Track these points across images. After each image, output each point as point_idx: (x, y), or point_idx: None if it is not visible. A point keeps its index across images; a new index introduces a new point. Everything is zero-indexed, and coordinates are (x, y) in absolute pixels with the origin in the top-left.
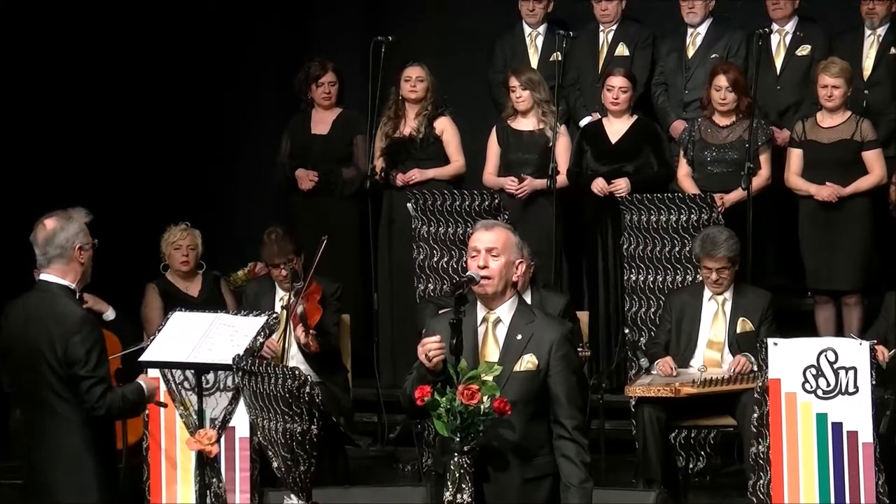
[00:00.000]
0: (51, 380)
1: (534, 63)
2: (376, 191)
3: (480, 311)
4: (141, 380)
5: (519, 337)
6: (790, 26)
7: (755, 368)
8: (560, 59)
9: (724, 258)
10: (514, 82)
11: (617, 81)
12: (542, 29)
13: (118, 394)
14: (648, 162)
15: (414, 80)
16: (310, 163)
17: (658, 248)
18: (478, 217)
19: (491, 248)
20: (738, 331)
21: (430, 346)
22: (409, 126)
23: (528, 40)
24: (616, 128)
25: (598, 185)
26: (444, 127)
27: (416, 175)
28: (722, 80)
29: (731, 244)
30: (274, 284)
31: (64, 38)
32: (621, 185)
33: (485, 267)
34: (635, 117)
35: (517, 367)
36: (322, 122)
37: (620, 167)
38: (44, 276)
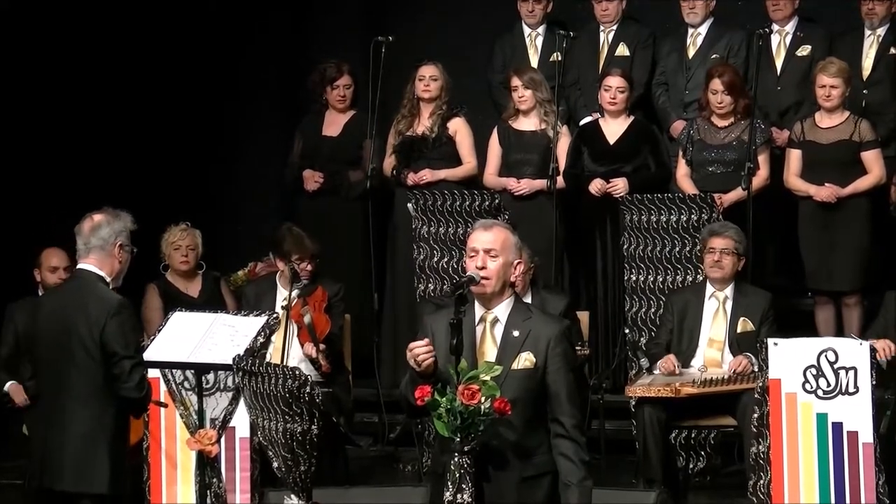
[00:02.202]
0: (81, 362)
1: (534, 63)
2: (381, 190)
3: (478, 311)
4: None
5: (516, 334)
6: (790, 27)
7: (755, 369)
8: (560, 59)
9: (731, 240)
10: (516, 82)
11: (614, 82)
12: (541, 29)
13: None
14: (646, 163)
15: (428, 78)
16: (318, 164)
17: (658, 249)
18: (478, 217)
19: (489, 248)
20: (739, 331)
21: (418, 351)
22: (423, 125)
23: (527, 41)
24: (613, 128)
25: (596, 185)
26: (458, 127)
27: (427, 175)
28: (717, 84)
29: (740, 233)
30: (274, 285)
31: (65, 39)
32: (619, 186)
33: (483, 267)
34: (633, 118)
35: (515, 366)
36: (334, 123)
37: (618, 168)
38: (81, 265)
